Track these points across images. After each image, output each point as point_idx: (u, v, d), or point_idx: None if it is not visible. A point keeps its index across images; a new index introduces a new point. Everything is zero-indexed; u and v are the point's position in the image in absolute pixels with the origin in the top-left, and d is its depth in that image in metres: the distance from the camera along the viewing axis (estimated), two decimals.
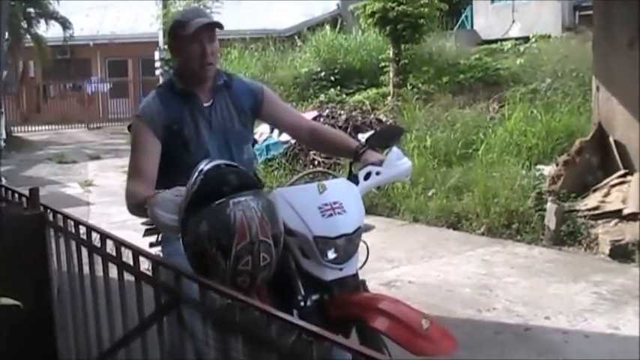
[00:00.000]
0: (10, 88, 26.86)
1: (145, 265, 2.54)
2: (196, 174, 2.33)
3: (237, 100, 3.17)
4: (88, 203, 11.37)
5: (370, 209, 8.96)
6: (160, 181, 2.85)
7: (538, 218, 7.64)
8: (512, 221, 7.83)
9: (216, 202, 2.22)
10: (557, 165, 8.28)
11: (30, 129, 25.09)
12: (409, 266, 6.90)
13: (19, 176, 13.83)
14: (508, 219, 7.87)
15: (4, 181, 11.94)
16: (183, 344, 2.27)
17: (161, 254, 3.44)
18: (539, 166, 8.95)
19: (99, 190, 12.62)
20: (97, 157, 17.82)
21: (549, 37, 15.69)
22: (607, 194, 7.66)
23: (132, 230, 3.24)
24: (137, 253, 2.51)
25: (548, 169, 8.57)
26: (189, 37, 2.99)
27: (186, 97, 3.08)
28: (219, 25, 3.07)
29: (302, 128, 3.38)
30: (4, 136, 14.65)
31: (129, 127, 3.10)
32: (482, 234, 7.95)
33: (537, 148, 9.52)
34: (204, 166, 2.35)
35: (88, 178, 14.21)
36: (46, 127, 25.41)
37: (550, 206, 7.47)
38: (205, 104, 3.10)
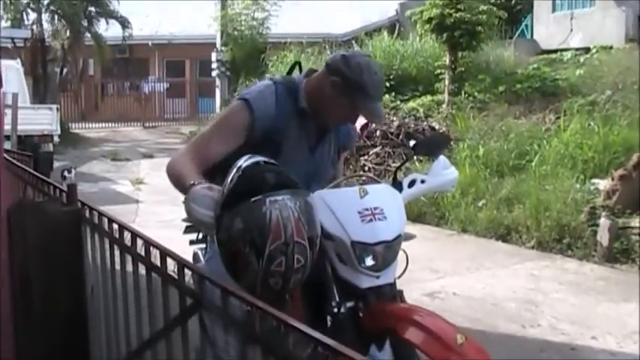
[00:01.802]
0: (69, 85, 27.41)
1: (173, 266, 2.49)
2: (234, 170, 2.26)
3: (338, 139, 3.08)
4: (137, 201, 11.49)
5: (419, 218, 8.88)
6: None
7: (590, 234, 7.43)
8: (564, 236, 7.63)
9: (252, 200, 2.13)
10: (612, 179, 8.04)
11: (87, 126, 25.49)
12: (455, 277, 6.76)
13: None
14: (559, 233, 7.67)
15: (73, 173, 12.18)
16: (205, 349, 2.20)
17: (200, 252, 3.41)
18: (594, 180, 8.71)
19: (149, 189, 12.72)
20: (151, 156, 18.02)
21: (611, 48, 15.31)
22: None
23: (178, 229, 3.20)
24: (164, 254, 2.46)
25: (603, 184, 8.33)
26: (354, 102, 2.80)
27: (302, 116, 2.89)
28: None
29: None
30: (59, 131, 14.84)
31: (226, 102, 3.02)
32: (532, 247, 7.77)
33: (593, 161, 9.28)
34: (243, 162, 2.28)
35: (140, 176, 14.37)
36: (103, 125, 25.77)
37: (604, 222, 7.25)
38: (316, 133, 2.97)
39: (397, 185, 3.05)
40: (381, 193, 2.92)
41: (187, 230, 3.50)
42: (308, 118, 2.89)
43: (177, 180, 2.61)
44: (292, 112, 2.86)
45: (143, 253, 2.63)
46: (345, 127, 3.10)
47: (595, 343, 5.04)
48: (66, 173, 11.82)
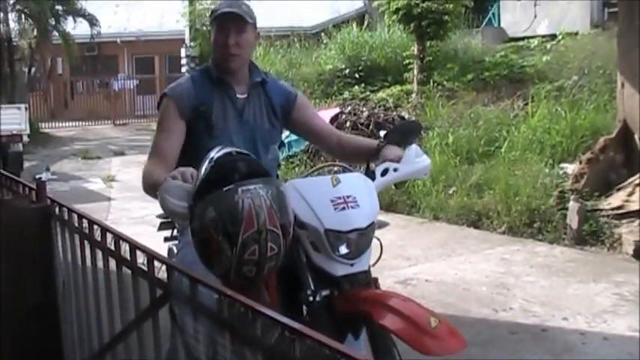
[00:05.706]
0: (37, 84, 27.13)
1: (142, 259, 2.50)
2: (207, 161, 2.29)
3: (270, 99, 3.18)
4: (109, 198, 11.44)
5: (390, 206, 8.93)
6: (180, 164, 2.80)
7: (560, 217, 7.52)
8: (534, 220, 7.73)
9: (225, 189, 2.16)
10: (580, 163, 8.14)
11: (57, 125, 25.13)
12: (427, 264, 6.83)
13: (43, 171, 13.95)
14: (530, 218, 7.77)
15: (50, 171, 12.18)
16: (175, 339, 2.22)
17: (174, 248, 3.42)
18: (562, 165, 8.82)
19: (121, 186, 12.68)
20: (122, 153, 17.94)
21: (577, 34, 15.45)
22: (631, 193, 7.52)
23: (150, 225, 3.19)
24: (134, 247, 2.47)
25: (571, 168, 8.44)
26: (215, 25, 3.06)
27: (220, 85, 3.09)
28: (241, 16, 3.02)
29: (333, 135, 3.39)
30: (28, 131, 14.70)
31: (158, 105, 3.12)
32: (503, 233, 7.85)
33: (561, 146, 9.39)
34: (215, 153, 2.30)
35: (111, 173, 14.33)
36: (73, 124, 25.44)
37: (572, 205, 7.35)
38: (240, 96, 3.11)
39: (370, 174, 3.07)
40: (354, 182, 2.93)
41: (162, 227, 3.50)
42: (224, 85, 3.09)
43: (154, 187, 2.61)
44: (210, 86, 3.08)
45: (113, 247, 2.64)
46: (276, 88, 3.23)
47: (565, 323, 5.12)
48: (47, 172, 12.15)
